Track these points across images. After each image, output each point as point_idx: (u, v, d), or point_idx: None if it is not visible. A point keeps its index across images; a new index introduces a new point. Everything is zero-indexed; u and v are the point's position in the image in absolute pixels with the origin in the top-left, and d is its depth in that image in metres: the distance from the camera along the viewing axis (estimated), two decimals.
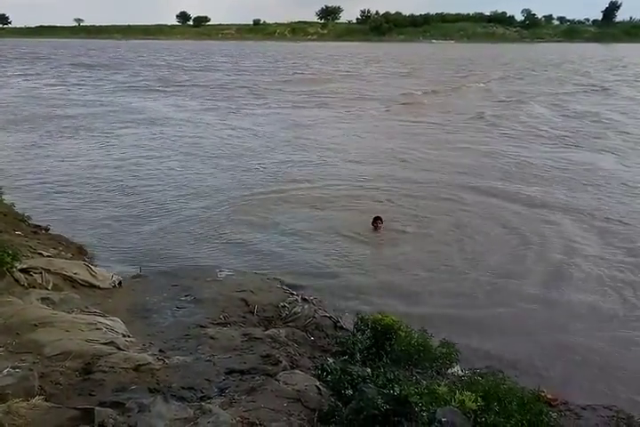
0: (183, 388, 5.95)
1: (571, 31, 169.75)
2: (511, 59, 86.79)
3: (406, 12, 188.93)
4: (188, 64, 73.49)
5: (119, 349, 6.61)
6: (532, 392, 5.95)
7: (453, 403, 5.29)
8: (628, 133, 26.03)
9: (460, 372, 7.09)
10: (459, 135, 25.82)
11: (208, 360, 6.69)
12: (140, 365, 6.26)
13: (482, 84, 47.85)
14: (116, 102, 36.17)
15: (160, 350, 6.98)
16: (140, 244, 12.42)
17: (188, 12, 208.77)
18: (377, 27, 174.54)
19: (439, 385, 5.79)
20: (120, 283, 9.39)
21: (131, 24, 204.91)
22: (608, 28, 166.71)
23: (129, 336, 7.24)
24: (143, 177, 18.37)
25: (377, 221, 13.33)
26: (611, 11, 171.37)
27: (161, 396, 5.20)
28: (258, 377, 6.23)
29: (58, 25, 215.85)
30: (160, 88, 44.85)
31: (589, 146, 23.28)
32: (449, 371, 7.18)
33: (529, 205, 15.23)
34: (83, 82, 48.97)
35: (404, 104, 36.24)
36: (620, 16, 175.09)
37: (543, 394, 6.53)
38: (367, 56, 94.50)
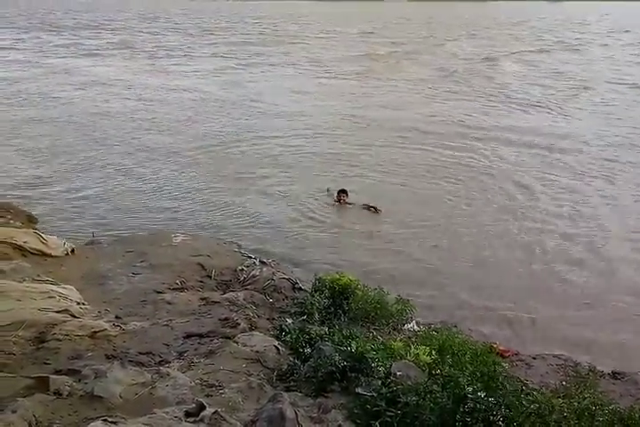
0: (141, 353, 5.93)
1: None
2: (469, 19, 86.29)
3: None
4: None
5: (74, 316, 6.50)
6: (484, 345, 6.16)
7: (409, 357, 5.43)
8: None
9: (415, 327, 7.26)
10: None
11: (166, 325, 6.67)
12: (95, 332, 6.20)
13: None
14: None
15: (116, 317, 6.90)
16: (91, 210, 12.14)
17: None
18: None
19: (395, 341, 5.94)
20: (73, 250, 9.16)
21: None
22: None
23: (83, 304, 7.11)
24: (86, 137, 17.93)
25: (341, 194, 12.81)
26: None
27: (118, 362, 5.18)
28: (216, 340, 6.25)
29: None
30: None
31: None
32: (405, 327, 7.35)
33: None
34: None
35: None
36: None
37: (495, 346, 6.76)
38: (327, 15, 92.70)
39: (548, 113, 22.20)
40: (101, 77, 29.75)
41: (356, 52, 40.99)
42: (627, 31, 60.78)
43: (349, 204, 12.74)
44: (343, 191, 12.90)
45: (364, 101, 24.38)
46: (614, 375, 6.75)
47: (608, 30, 63.04)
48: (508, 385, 4.52)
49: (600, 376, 6.42)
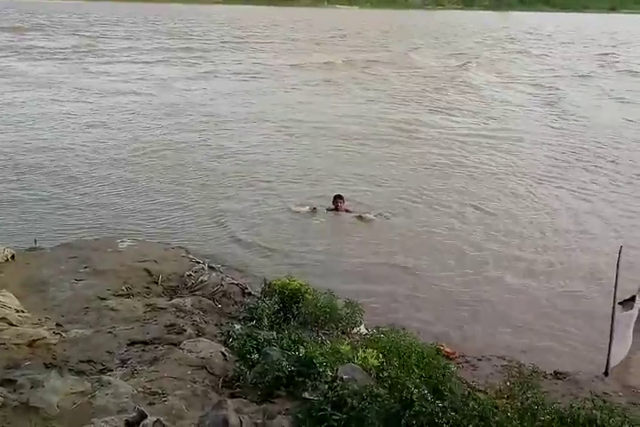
0: (82, 361, 5.76)
1: None
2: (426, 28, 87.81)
3: None
4: None
5: (11, 324, 6.25)
6: (431, 347, 6.21)
7: (356, 361, 5.42)
8: None
9: (363, 330, 7.26)
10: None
11: (109, 332, 6.49)
12: (34, 340, 5.99)
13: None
14: None
15: (57, 324, 6.67)
16: (34, 214, 11.76)
17: None
18: None
19: (343, 344, 5.92)
20: (13, 256, 8.85)
21: None
22: None
23: (23, 311, 6.84)
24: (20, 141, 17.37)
25: (338, 200, 12.18)
26: None
27: (55, 370, 5.01)
28: (161, 347, 6.13)
29: None
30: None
31: None
32: (354, 330, 7.35)
33: None
34: None
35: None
36: None
37: (442, 348, 6.84)
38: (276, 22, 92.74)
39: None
40: (40, 79, 29.22)
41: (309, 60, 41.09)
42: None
43: (348, 211, 12.29)
44: (339, 197, 12.25)
45: (307, 108, 24.48)
46: (556, 375, 6.91)
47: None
48: (453, 387, 4.56)
49: (543, 377, 6.56)
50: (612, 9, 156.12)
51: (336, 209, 12.23)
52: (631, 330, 7.70)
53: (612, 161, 17.21)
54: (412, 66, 40.22)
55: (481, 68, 39.46)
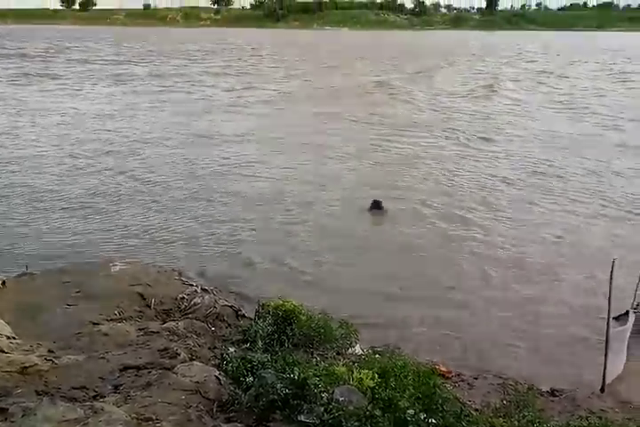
0: (74, 388, 5.67)
1: (458, 19, 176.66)
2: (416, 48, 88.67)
3: None
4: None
5: (2, 351, 6.18)
6: (426, 367, 6.18)
7: (352, 382, 5.37)
8: None
9: (359, 351, 7.22)
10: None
11: (101, 358, 6.40)
12: (25, 367, 5.90)
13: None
14: None
15: (49, 351, 6.59)
16: (25, 241, 11.70)
17: None
18: (271, 13, 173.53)
19: (338, 365, 5.88)
20: (4, 282, 8.78)
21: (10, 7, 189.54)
22: (491, 15, 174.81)
23: (14, 338, 6.79)
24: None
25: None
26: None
27: (47, 398, 4.93)
28: (154, 372, 6.04)
29: None
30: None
31: None
32: (349, 351, 7.30)
33: None
34: None
35: None
36: (502, 5, 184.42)
37: (437, 367, 6.80)
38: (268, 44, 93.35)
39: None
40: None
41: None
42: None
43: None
44: (377, 203, 13.66)
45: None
46: (553, 393, 6.88)
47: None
48: (447, 407, 4.52)
49: (539, 394, 6.54)
50: (599, 27, 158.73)
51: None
52: (625, 346, 7.69)
53: None
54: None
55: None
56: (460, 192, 15.58)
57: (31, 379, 5.76)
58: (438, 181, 16.65)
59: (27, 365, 5.91)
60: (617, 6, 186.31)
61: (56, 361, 6.20)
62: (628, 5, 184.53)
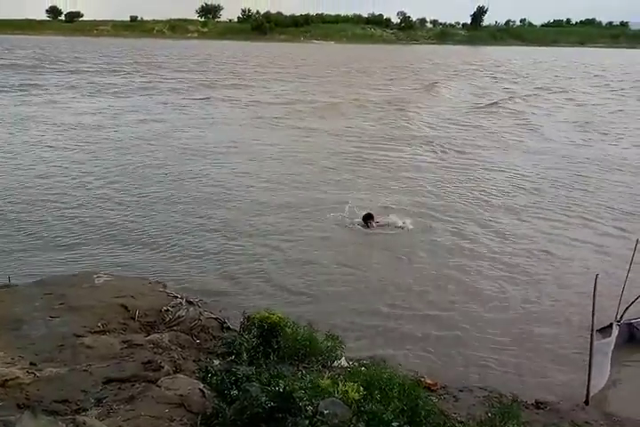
0: (56, 401, 5.60)
1: (443, 34, 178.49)
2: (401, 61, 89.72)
3: (287, 12, 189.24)
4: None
5: None
6: (412, 379, 6.19)
7: (337, 394, 5.36)
8: None
9: (344, 363, 7.21)
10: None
11: (84, 370, 6.33)
12: (6, 380, 5.82)
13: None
14: None
15: (31, 363, 6.50)
16: (7, 253, 11.58)
17: (59, 7, 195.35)
18: (259, 26, 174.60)
19: (323, 378, 5.86)
20: None
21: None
22: (476, 31, 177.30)
23: None
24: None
25: (369, 220, 13.42)
26: (478, 15, 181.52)
27: (29, 411, 4.85)
28: (138, 385, 5.99)
29: None
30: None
31: None
32: (335, 364, 7.28)
33: None
34: None
35: None
36: (487, 20, 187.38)
37: (423, 380, 6.81)
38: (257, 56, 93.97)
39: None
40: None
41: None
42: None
43: (381, 225, 13.43)
44: (369, 217, 13.43)
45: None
46: (537, 405, 6.90)
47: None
48: (431, 419, 4.53)
49: (524, 407, 6.56)
50: (581, 43, 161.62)
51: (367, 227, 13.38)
52: (609, 358, 7.75)
53: None
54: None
55: None
56: (458, 204, 15.67)
57: (12, 392, 5.68)
58: (436, 194, 16.76)
59: (8, 378, 5.83)
60: (600, 23, 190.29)
61: (38, 374, 6.12)
62: (610, 22, 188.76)
